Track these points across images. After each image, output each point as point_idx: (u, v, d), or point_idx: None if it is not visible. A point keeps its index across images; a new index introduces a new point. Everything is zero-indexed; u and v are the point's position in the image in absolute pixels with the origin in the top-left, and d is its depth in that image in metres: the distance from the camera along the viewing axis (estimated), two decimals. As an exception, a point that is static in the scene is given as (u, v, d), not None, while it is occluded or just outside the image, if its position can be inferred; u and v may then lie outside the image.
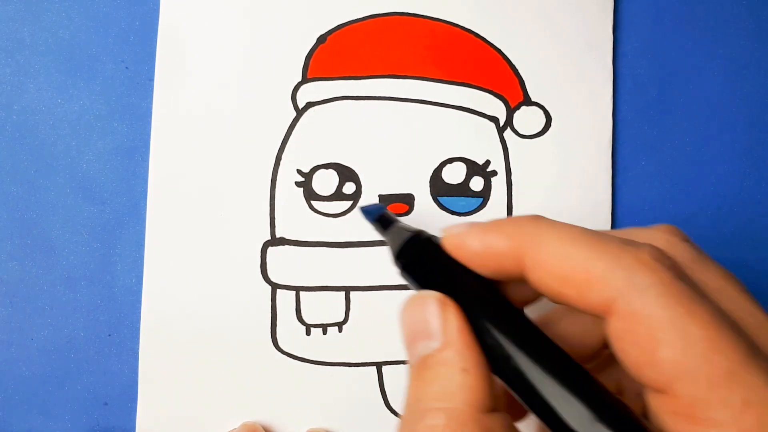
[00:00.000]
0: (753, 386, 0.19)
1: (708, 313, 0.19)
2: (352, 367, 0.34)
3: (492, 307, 0.23)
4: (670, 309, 0.19)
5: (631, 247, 0.21)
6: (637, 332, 0.20)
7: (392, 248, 0.26)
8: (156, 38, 0.34)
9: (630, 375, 0.20)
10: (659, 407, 0.20)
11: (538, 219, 0.23)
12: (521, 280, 0.23)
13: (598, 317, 0.21)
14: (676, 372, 0.19)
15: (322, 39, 0.34)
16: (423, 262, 0.25)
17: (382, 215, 0.28)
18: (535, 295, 0.25)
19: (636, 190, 0.35)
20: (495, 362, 0.22)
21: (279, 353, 0.34)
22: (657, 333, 0.19)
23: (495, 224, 0.24)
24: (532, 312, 0.25)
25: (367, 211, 0.29)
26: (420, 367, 0.22)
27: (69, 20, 0.34)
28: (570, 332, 0.26)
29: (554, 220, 0.23)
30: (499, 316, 0.22)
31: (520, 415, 0.25)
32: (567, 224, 0.23)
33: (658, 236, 0.24)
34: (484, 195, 0.34)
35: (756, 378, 0.19)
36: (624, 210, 0.35)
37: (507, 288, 0.25)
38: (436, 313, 0.23)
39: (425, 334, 0.23)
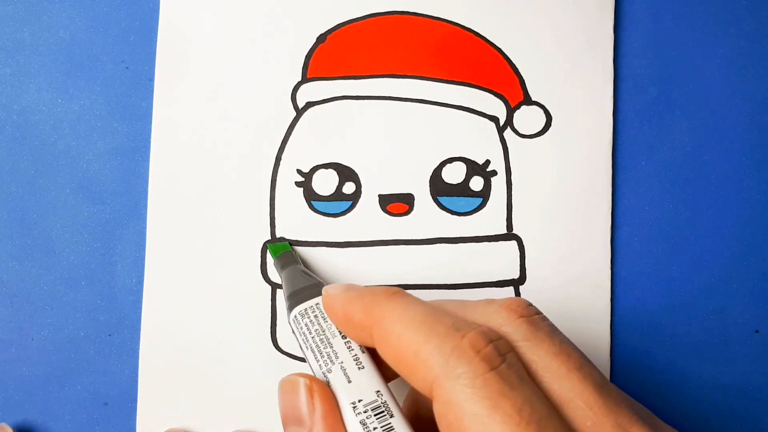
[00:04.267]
0: None
1: (513, 406, 0.20)
2: (352, 367, 0.34)
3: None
4: (475, 402, 0.20)
5: (457, 331, 0.22)
6: (449, 419, 0.21)
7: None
8: (156, 38, 0.34)
9: None
10: None
11: (393, 294, 0.24)
12: None
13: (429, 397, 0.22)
14: None
15: (321, 38, 0.34)
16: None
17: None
18: None
19: (636, 190, 0.35)
20: None
21: (279, 353, 0.34)
22: (462, 423, 0.20)
23: (360, 293, 0.25)
24: None
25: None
26: None
27: (69, 20, 0.34)
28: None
29: (409, 297, 0.24)
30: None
31: None
32: (417, 302, 0.24)
33: (496, 313, 0.24)
34: (484, 195, 0.34)
35: None
36: (624, 210, 0.35)
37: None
38: (305, 400, 0.24)
39: (296, 419, 0.25)
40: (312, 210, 0.34)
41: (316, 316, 0.27)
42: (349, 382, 0.25)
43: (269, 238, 0.34)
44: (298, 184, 0.34)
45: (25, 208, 0.34)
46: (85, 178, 0.34)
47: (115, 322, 0.34)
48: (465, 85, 0.34)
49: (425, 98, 0.34)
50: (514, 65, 0.35)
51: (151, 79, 0.34)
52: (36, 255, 0.34)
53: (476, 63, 0.34)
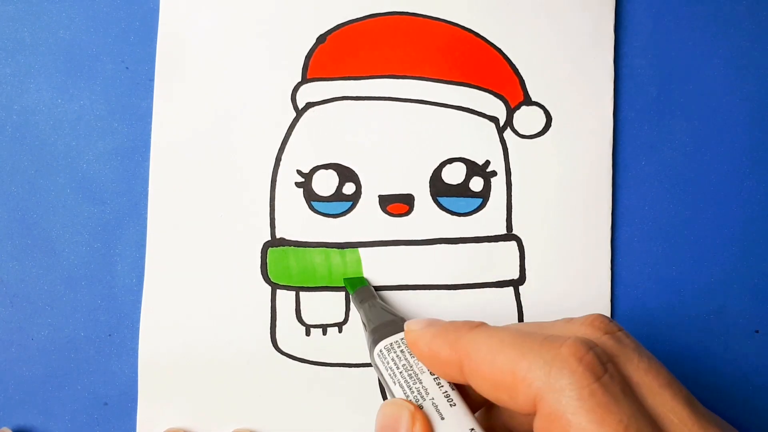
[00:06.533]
0: None
1: (620, 422, 0.20)
2: (352, 368, 0.34)
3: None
4: (581, 416, 0.20)
5: (553, 342, 0.22)
6: None
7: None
8: (156, 38, 0.34)
9: None
10: None
11: (477, 326, 0.24)
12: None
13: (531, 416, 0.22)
14: None
15: (321, 39, 0.34)
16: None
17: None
18: None
19: (636, 190, 0.35)
20: None
21: (278, 354, 0.34)
22: None
23: (443, 329, 0.25)
24: None
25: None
26: None
27: (69, 20, 0.34)
28: (516, 417, 0.27)
29: (492, 326, 0.24)
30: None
31: None
32: (501, 328, 0.24)
33: (579, 330, 0.24)
34: (484, 195, 0.34)
35: None
36: (624, 210, 0.35)
37: (471, 387, 0.25)
38: (406, 425, 0.24)
39: None
40: (312, 210, 0.34)
41: (402, 351, 0.27)
42: (443, 419, 0.24)
43: (269, 238, 0.34)
44: (298, 184, 0.34)
45: (25, 208, 0.34)
46: (85, 178, 0.34)
47: (115, 322, 0.34)
48: (465, 86, 0.34)
49: (425, 99, 0.34)
50: (514, 65, 0.35)
51: (151, 79, 0.34)
52: (36, 255, 0.34)
53: (476, 63, 0.34)
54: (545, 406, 0.21)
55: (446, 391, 0.25)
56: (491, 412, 0.28)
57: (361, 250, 0.34)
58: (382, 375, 0.27)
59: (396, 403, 0.25)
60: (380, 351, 0.28)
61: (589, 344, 0.22)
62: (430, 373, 0.26)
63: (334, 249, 0.34)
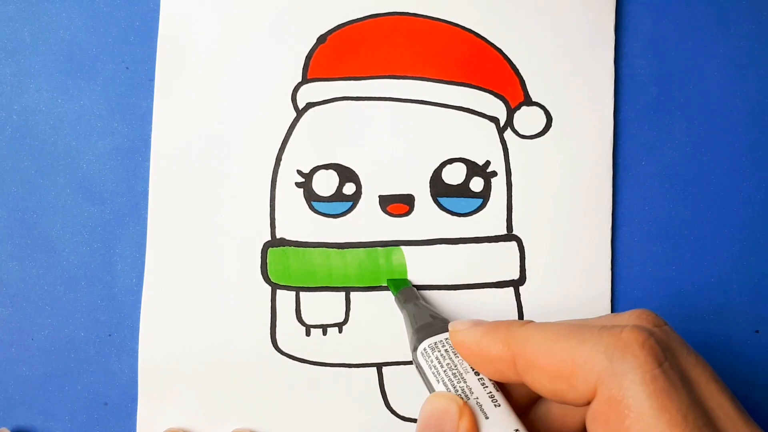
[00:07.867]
0: None
1: (679, 410, 0.20)
2: (352, 368, 0.34)
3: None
4: (643, 400, 0.20)
5: (612, 329, 0.22)
6: (608, 417, 0.20)
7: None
8: (156, 38, 0.34)
9: None
10: None
11: (527, 323, 0.24)
12: (521, 383, 0.24)
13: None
14: None
15: (322, 39, 0.34)
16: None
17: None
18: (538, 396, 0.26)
19: (636, 190, 0.35)
20: None
21: (279, 354, 0.34)
22: (623, 423, 0.20)
23: (493, 327, 0.25)
24: None
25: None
26: None
27: (69, 20, 0.34)
28: (558, 410, 0.27)
29: (543, 322, 0.24)
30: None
31: None
32: (554, 323, 0.24)
33: (632, 321, 0.24)
34: (484, 195, 0.34)
35: None
36: (624, 210, 0.35)
37: (514, 388, 0.25)
38: (453, 418, 0.24)
39: None
40: (312, 210, 0.34)
41: (446, 351, 0.27)
42: (487, 418, 0.24)
43: (269, 238, 0.34)
44: (298, 184, 0.34)
45: (25, 208, 0.34)
46: (85, 178, 0.34)
47: (115, 322, 0.34)
48: (465, 86, 0.34)
49: (425, 99, 0.34)
50: (514, 66, 0.35)
51: (151, 79, 0.34)
52: (36, 255, 0.34)
53: (476, 63, 0.34)
54: (605, 390, 0.20)
55: (491, 392, 0.25)
56: (531, 418, 0.28)
57: (361, 250, 0.34)
58: (424, 373, 0.27)
59: (445, 396, 0.25)
60: (424, 349, 0.27)
61: (649, 331, 0.22)
62: (475, 373, 0.26)
63: (334, 249, 0.34)
